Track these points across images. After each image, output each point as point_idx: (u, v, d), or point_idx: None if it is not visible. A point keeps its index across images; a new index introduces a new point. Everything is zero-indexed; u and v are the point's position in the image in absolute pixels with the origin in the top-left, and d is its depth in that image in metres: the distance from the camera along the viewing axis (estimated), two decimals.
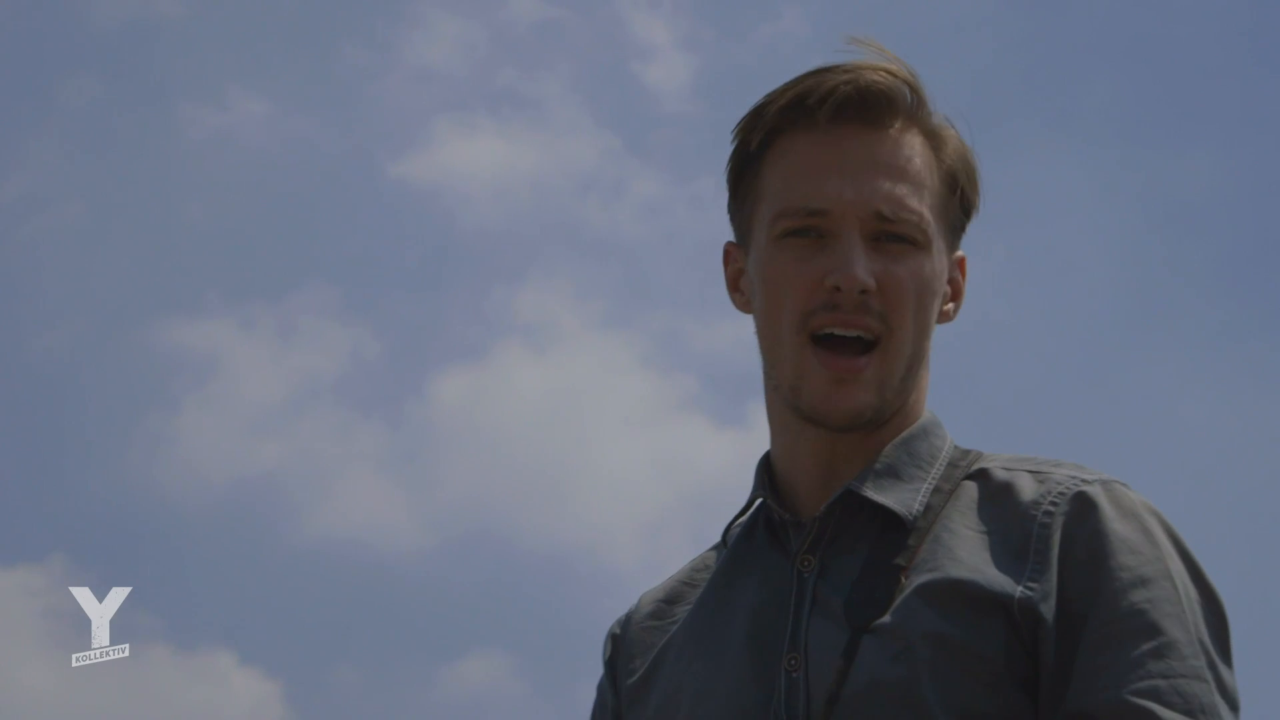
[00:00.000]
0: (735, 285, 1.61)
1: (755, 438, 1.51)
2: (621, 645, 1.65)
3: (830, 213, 1.50)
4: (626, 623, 1.66)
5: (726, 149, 1.60)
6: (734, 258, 1.62)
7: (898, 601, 1.44)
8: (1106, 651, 1.41)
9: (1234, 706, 1.42)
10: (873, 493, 1.50)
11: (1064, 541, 1.45)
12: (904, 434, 1.55)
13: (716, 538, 1.64)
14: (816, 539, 1.51)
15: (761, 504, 1.58)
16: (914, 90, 1.54)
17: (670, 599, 1.64)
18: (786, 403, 1.55)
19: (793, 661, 1.47)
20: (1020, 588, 1.44)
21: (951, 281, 1.60)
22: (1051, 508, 1.47)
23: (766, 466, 1.58)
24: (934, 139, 1.56)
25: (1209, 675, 1.41)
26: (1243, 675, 1.49)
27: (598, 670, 1.68)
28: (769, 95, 1.54)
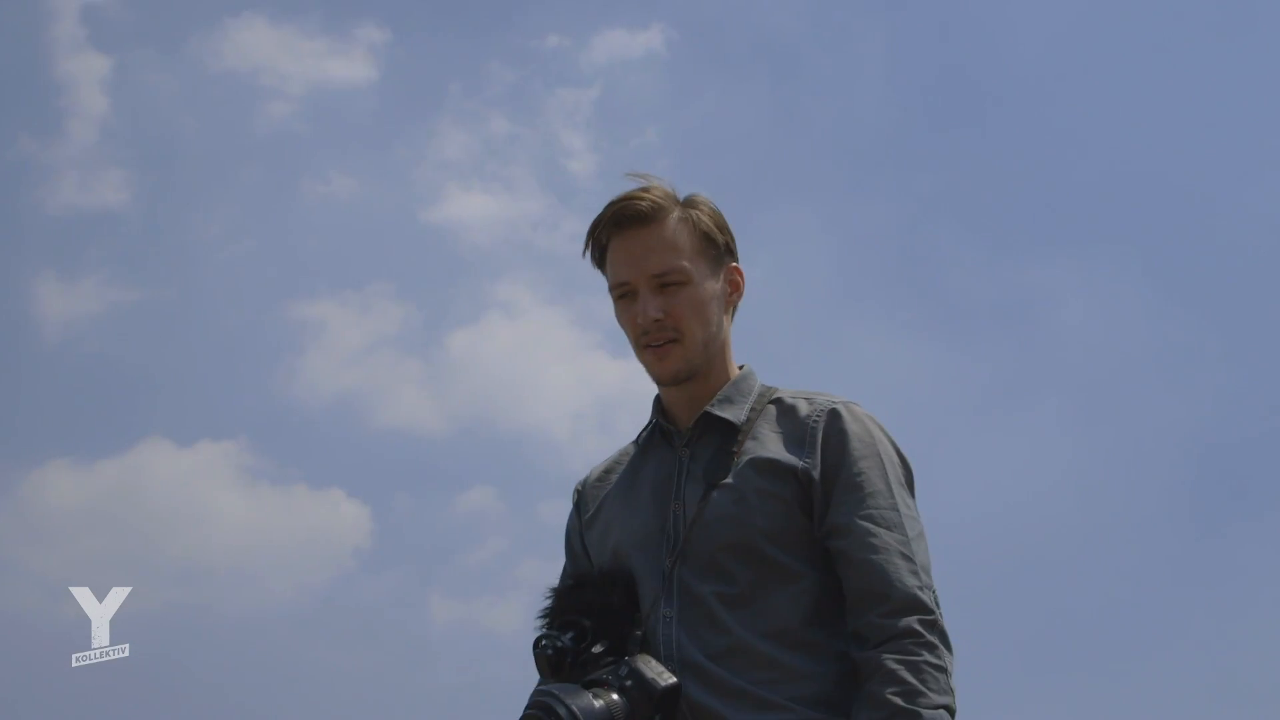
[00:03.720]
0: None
1: (636, 367, 2.24)
2: (582, 494, 2.28)
3: (629, 281, 2.11)
4: (584, 482, 2.29)
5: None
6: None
7: (733, 471, 2.07)
8: (846, 494, 2.03)
9: (916, 520, 2.04)
10: (719, 412, 2.14)
11: (824, 436, 2.08)
12: (733, 380, 2.18)
13: (615, 426, 2.48)
14: (689, 440, 2.15)
15: (657, 422, 2.24)
16: (665, 196, 2.13)
17: (607, 470, 2.29)
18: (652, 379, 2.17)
19: (676, 505, 2.09)
20: (801, 462, 2.05)
21: (731, 283, 2.18)
22: (818, 418, 2.10)
23: (659, 402, 2.24)
24: (687, 215, 2.14)
25: (901, 508, 2.04)
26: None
27: (548, 498, 2.70)
28: (597, 217, 2.15)
